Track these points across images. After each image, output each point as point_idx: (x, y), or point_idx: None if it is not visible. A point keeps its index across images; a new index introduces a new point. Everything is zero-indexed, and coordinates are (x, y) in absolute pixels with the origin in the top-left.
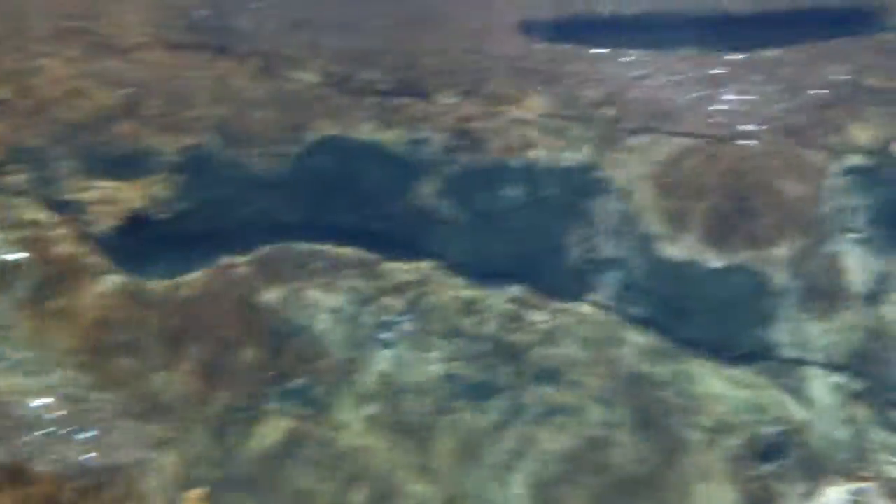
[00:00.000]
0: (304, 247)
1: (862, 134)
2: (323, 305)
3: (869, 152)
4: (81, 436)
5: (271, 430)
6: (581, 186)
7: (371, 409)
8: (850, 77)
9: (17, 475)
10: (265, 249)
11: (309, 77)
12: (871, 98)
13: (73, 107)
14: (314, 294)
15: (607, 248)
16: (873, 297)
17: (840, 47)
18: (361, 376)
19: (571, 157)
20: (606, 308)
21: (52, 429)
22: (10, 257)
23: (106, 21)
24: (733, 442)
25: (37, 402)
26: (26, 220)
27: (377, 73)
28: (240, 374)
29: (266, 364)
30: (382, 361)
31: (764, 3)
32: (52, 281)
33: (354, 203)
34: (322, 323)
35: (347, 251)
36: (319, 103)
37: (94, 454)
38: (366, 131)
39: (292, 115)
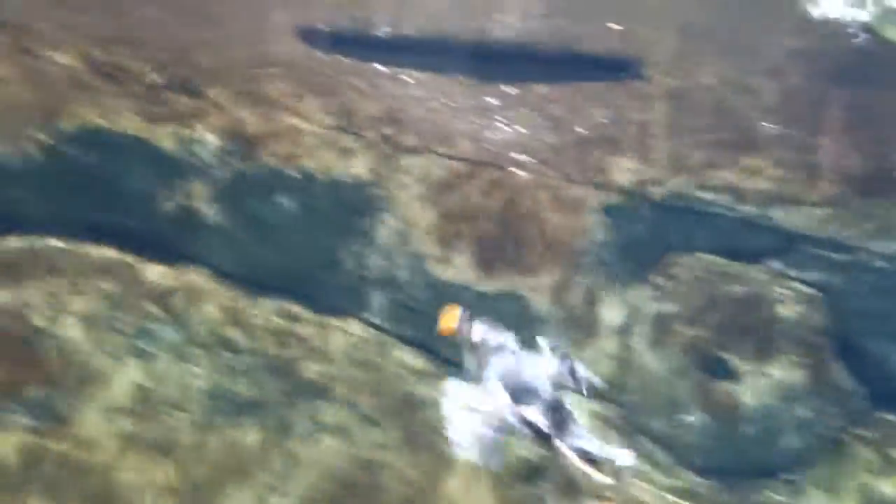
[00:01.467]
0: (54, 244)
1: (620, 174)
2: (71, 309)
3: (626, 191)
4: None
5: (3, 445)
6: (356, 202)
7: (122, 424)
8: (610, 119)
9: None
10: (9, 245)
11: (67, 59)
12: (629, 140)
13: None
14: (64, 297)
15: (381, 267)
16: (623, 329)
17: (601, 90)
18: (113, 388)
19: (348, 171)
20: (377, 326)
21: None
22: None
23: None
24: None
25: None
26: None
27: (146, 65)
28: None
29: (3, 371)
30: (138, 372)
31: (534, 39)
32: None
33: (114, 200)
34: (70, 329)
35: (103, 251)
36: (78, 89)
37: None
38: (130, 125)
39: (46, 99)
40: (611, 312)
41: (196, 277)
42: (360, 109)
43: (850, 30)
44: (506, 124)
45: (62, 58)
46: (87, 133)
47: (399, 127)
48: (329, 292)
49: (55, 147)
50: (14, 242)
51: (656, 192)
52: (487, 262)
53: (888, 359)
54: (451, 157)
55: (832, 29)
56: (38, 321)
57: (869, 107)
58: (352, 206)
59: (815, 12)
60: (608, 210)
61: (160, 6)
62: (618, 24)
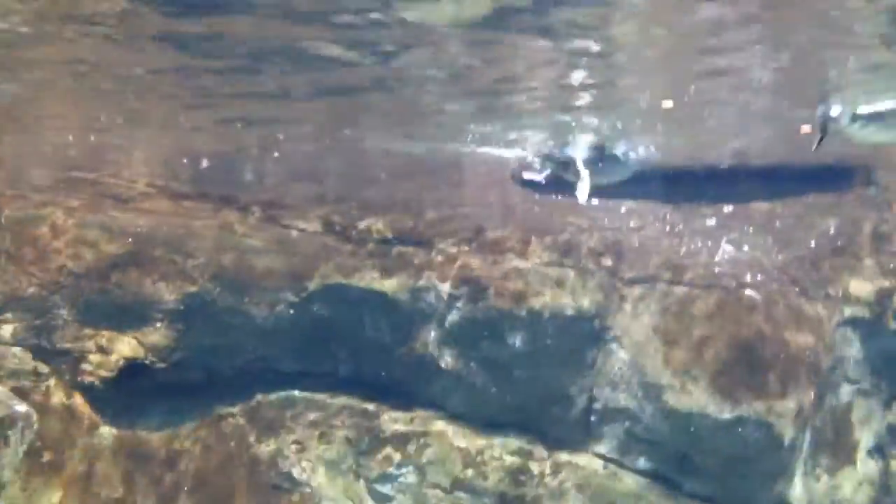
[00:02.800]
0: (302, 395)
1: (860, 286)
2: (320, 457)
3: (868, 303)
4: None
5: None
6: (583, 336)
7: None
8: (843, 229)
9: None
10: (262, 399)
11: (310, 226)
12: (866, 250)
13: (76, 256)
14: (311, 445)
15: (611, 399)
16: (880, 451)
17: (829, 201)
18: None
19: (573, 305)
20: (613, 461)
21: None
22: (11, 410)
23: (110, 171)
24: None
25: None
26: (22, 371)
27: (378, 222)
28: None
29: None
30: None
31: (749, 158)
32: (45, 433)
33: (354, 351)
34: (319, 476)
35: (346, 400)
36: (320, 251)
37: None
38: (366, 279)
39: (293, 263)
40: (866, 433)
41: (431, 420)
42: (581, 244)
43: None
44: (732, 245)
45: (306, 224)
46: (329, 290)
47: (621, 257)
48: (561, 427)
49: (302, 306)
50: (269, 397)
51: None
52: (726, 388)
53: None
54: (675, 283)
55: None
56: (291, 470)
57: None
58: (580, 340)
59: None
60: (851, 324)
61: (386, 168)
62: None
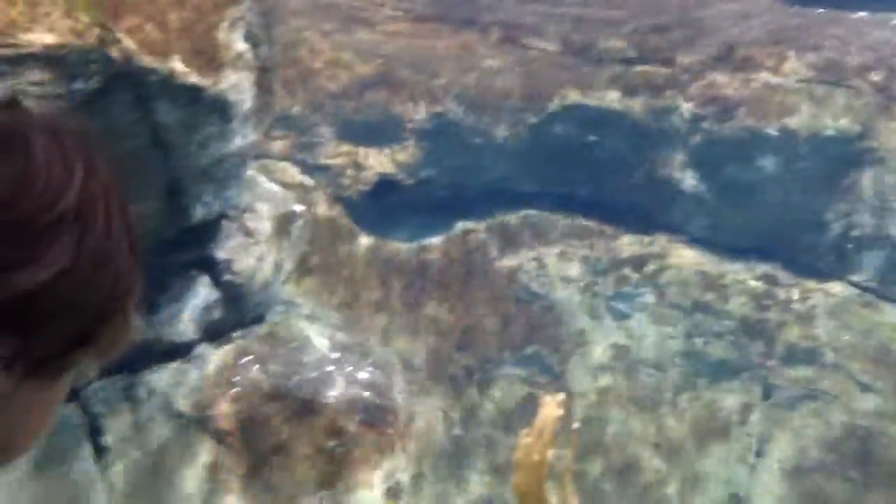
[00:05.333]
0: (541, 215)
1: None
2: (559, 274)
3: None
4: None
5: (505, 396)
6: (843, 158)
7: (605, 380)
8: None
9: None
10: (504, 217)
11: (549, 46)
12: None
13: (332, 77)
14: (551, 263)
15: (872, 226)
16: None
17: None
18: (596, 347)
19: (833, 125)
20: (867, 288)
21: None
22: (292, 208)
23: None
24: None
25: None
26: (291, 183)
27: (619, 41)
28: (476, 338)
29: (502, 330)
30: (618, 333)
31: None
32: (312, 239)
33: (592, 173)
34: (558, 291)
35: (583, 221)
36: (560, 72)
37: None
38: (608, 99)
39: (533, 84)
40: None
41: (671, 243)
42: (846, 60)
43: None
44: None
45: (545, 44)
46: (568, 111)
47: (891, 73)
48: (812, 254)
49: (541, 127)
50: (511, 216)
51: None
52: None
53: None
54: None
55: None
56: (530, 284)
57: None
58: (838, 162)
59: None
60: None
61: None
62: None
